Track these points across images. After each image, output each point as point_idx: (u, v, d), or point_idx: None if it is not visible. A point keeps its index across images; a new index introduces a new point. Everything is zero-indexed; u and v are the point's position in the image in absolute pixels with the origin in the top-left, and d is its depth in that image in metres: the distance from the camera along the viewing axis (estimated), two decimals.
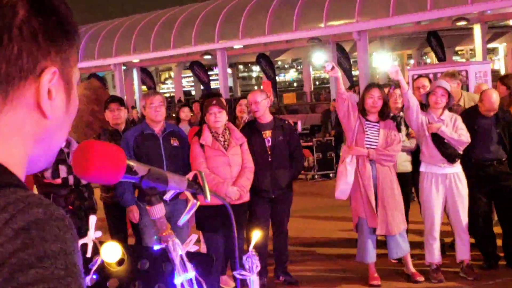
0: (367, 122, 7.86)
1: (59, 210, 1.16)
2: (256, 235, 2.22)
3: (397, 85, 8.53)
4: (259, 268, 2.11)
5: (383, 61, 38.74)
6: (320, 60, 41.01)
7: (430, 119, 7.86)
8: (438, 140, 7.82)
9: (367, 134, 7.83)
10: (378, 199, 7.79)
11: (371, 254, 7.91)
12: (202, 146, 7.44)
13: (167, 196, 1.90)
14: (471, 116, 8.29)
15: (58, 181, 6.94)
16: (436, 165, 7.89)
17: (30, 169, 1.31)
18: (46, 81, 1.23)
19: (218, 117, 7.42)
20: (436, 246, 8.01)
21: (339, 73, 7.86)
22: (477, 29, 27.61)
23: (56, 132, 1.30)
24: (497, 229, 8.59)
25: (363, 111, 7.88)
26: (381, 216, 7.76)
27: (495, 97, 8.25)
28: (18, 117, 1.23)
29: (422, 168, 8.01)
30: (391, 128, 7.92)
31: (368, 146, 7.81)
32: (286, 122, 8.64)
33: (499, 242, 8.49)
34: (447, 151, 7.83)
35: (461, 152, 7.89)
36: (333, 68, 7.75)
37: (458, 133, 7.80)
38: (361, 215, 7.86)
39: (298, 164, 8.59)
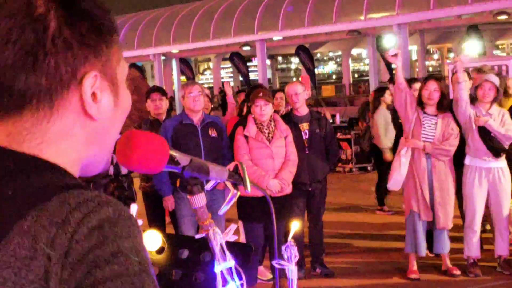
0: (424, 115, 7.80)
1: (126, 209, 1.19)
2: (295, 225, 2.24)
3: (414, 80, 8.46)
4: (297, 258, 2.12)
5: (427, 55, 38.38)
6: (361, 52, 40.79)
7: (478, 113, 7.80)
8: (484, 133, 7.75)
9: (424, 127, 7.78)
10: (432, 193, 7.77)
11: (422, 247, 7.91)
12: (246, 137, 7.45)
13: (208, 186, 1.91)
14: None
15: None
16: (481, 158, 7.84)
17: (89, 172, 1.35)
18: (88, 86, 1.25)
19: (264, 109, 7.41)
20: (476, 240, 7.96)
21: (400, 61, 7.77)
22: None
23: (108, 131, 1.33)
24: None
25: (420, 103, 7.83)
26: (439, 209, 7.75)
27: None
28: (67, 124, 1.25)
29: (467, 161, 7.95)
30: (449, 121, 7.83)
31: (424, 139, 7.76)
32: (322, 114, 8.63)
33: None
34: (493, 145, 7.77)
35: (507, 147, 7.83)
36: (396, 54, 7.68)
37: (505, 128, 7.73)
38: (413, 208, 7.83)
39: (334, 157, 8.59)
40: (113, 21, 1.33)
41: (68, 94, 1.24)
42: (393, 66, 8.03)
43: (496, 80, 7.92)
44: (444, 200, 7.80)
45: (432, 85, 7.79)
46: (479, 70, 9.31)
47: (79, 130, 1.27)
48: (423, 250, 7.94)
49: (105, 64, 1.29)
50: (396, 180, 7.87)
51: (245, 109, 8.64)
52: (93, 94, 1.26)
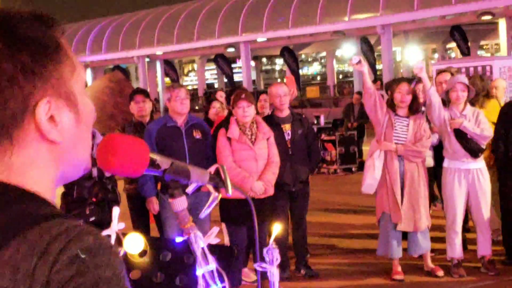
0: (396, 117, 7.83)
1: (106, 238, 1.19)
2: (277, 228, 2.25)
3: (419, 80, 8.51)
4: (279, 260, 2.13)
5: (410, 55, 38.59)
6: (345, 53, 40.94)
7: (453, 115, 7.84)
8: (461, 135, 7.79)
9: (396, 129, 7.80)
10: (404, 195, 7.79)
11: (395, 249, 7.89)
12: (228, 139, 7.45)
13: (189, 189, 1.92)
14: (510, 108, 8.23)
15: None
16: (459, 160, 7.87)
17: (66, 180, 1.34)
18: (42, 114, 1.23)
19: (247, 111, 7.42)
20: (458, 241, 7.99)
21: (365, 67, 7.80)
22: (502, 24, 27.41)
23: (75, 146, 1.31)
24: None
25: (392, 105, 7.87)
26: (406, 212, 7.75)
27: None
28: (31, 153, 1.25)
29: (445, 164, 7.99)
30: (421, 123, 7.87)
31: (396, 141, 7.78)
32: (303, 115, 8.66)
33: None
34: (470, 146, 7.80)
35: (484, 147, 7.87)
36: (359, 61, 7.70)
37: (481, 128, 7.77)
38: (385, 210, 7.85)
39: (316, 158, 8.61)
40: (56, 35, 1.29)
41: (23, 125, 1.23)
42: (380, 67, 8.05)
43: (465, 80, 7.99)
44: (416, 202, 7.81)
45: (405, 88, 7.83)
46: (442, 72, 9.38)
47: (45, 156, 1.26)
48: (395, 253, 7.93)
49: (57, 84, 1.26)
50: (370, 183, 7.88)
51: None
52: (51, 117, 1.24)
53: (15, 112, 1.21)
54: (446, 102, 8.01)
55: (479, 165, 7.92)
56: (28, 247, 1.13)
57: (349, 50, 36.70)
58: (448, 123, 7.81)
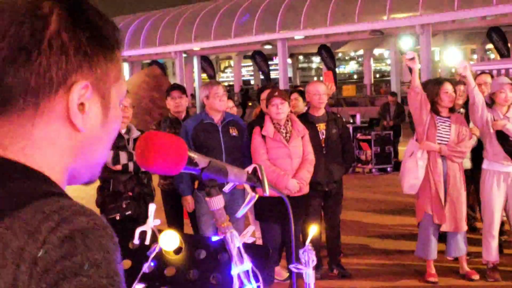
0: (438, 117, 7.79)
1: (102, 219, 1.17)
2: (313, 229, 2.24)
3: (457, 81, 8.46)
4: (315, 262, 2.12)
5: (452, 56, 38.24)
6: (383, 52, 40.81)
7: (495, 116, 7.77)
8: (502, 137, 7.73)
9: (439, 129, 7.76)
10: (447, 196, 7.75)
11: (433, 250, 7.88)
12: (263, 137, 7.44)
13: (226, 188, 1.92)
14: None
15: (118, 167, 7.02)
16: (499, 162, 7.81)
17: (74, 182, 1.33)
18: (76, 94, 1.23)
19: (280, 108, 7.40)
20: (494, 244, 7.93)
21: (417, 65, 7.73)
22: None
23: (93, 146, 1.30)
24: None
25: (434, 106, 7.80)
26: (449, 212, 7.72)
27: None
28: (52, 130, 1.24)
29: (485, 166, 7.93)
30: (462, 123, 7.83)
31: (439, 141, 7.75)
32: (339, 115, 8.64)
33: None
34: (511, 149, 7.74)
35: None
36: (413, 58, 7.67)
37: None
38: (428, 210, 7.81)
39: (350, 158, 8.58)
40: (118, 37, 1.32)
41: (55, 98, 1.23)
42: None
43: (510, 81, 7.95)
44: (459, 203, 7.79)
45: (450, 88, 7.78)
46: (482, 73, 9.34)
47: (64, 140, 1.26)
48: (433, 254, 7.91)
49: (100, 77, 1.27)
50: (413, 183, 7.84)
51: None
52: (81, 104, 1.24)
53: (53, 81, 1.21)
54: (489, 103, 7.94)
55: None
56: (20, 225, 1.12)
57: (386, 49, 36.54)
58: (491, 124, 7.75)
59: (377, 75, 60.86)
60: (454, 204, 7.76)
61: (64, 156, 1.27)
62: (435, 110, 7.80)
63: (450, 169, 7.77)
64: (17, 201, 1.15)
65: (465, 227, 7.88)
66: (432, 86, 7.93)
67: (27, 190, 1.17)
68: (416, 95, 7.76)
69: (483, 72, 9.54)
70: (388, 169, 16.66)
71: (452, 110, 7.82)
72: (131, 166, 7.03)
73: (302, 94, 8.91)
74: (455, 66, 8.05)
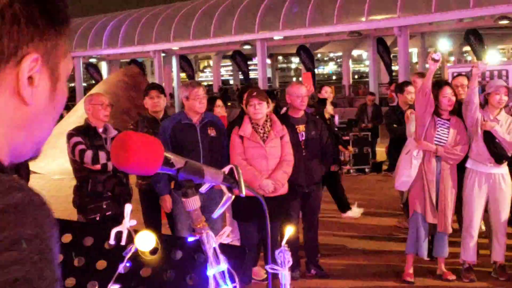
0: (438, 119, 7.84)
1: (39, 195, 1.16)
2: (289, 230, 2.24)
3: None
4: (290, 263, 2.13)
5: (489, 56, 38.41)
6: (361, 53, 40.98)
7: (486, 117, 7.83)
8: (489, 139, 7.78)
9: (438, 131, 7.81)
10: (438, 196, 7.80)
11: (424, 249, 7.92)
12: (241, 137, 7.46)
13: (203, 189, 1.91)
14: None
15: (98, 167, 7.00)
16: (482, 163, 7.86)
17: (16, 157, 1.31)
18: (26, 67, 1.22)
19: (258, 108, 7.41)
20: (473, 244, 7.97)
21: (436, 67, 7.79)
22: None
23: (39, 120, 1.30)
24: None
25: (435, 108, 7.84)
26: (441, 213, 7.77)
27: None
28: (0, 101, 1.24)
29: (468, 165, 7.96)
30: (461, 127, 7.87)
31: (437, 142, 7.80)
32: (317, 116, 8.67)
33: None
34: (496, 151, 7.79)
35: (510, 154, 7.85)
36: (438, 60, 7.73)
37: (511, 136, 7.76)
38: (418, 209, 7.85)
39: (329, 159, 8.60)
40: (67, 13, 1.31)
41: (5, 70, 1.22)
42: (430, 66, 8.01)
43: (506, 84, 8.03)
44: (448, 204, 7.83)
45: (449, 91, 7.82)
46: (422, 75, 9.42)
47: (11, 112, 1.24)
48: (425, 253, 7.95)
49: (50, 51, 1.27)
50: (405, 181, 7.89)
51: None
52: (30, 77, 1.23)
53: (4, 52, 1.20)
54: (483, 103, 8.00)
55: (502, 170, 7.90)
56: None
57: (365, 51, 36.67)
58: (480, 124, 7.80)
59: (356, 76, 61.11)
60: (444, 205, 7.81)
61: (9, 129, 1.25)
62: (436, 112, 7.84)
63: (444, 170, 7.81)
64: None
65: (450, 229, 7.93)
66: (432, 89, 7.95)
67: None
68: (425, 96, 7.76)
69: (459, 74, 9.60)
70: (366, 170, 16.71)
71: (452, 111, 7.86)
72: (110, 165, 7.00)
73: (270, 95, 8.80)
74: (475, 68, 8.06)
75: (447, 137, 7.81)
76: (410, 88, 9.66)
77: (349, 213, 11.43)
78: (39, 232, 1.12)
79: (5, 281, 1.07)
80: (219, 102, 9.67)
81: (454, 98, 7.83)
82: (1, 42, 1.20)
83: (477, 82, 7.89)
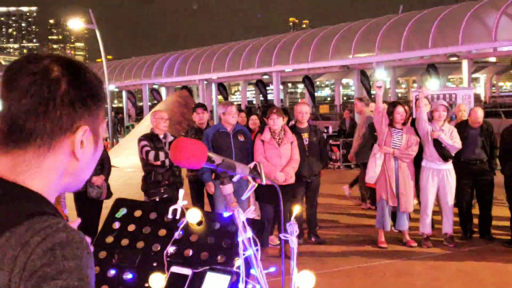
0: (393, 129, 7.83)
1: (79, 234, 1.15)
2: (296, 209, 2.25)
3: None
4: (297, 232, 2.13)
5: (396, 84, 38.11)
6: (349, 82, 40.72)
7: (434, 128, 7.81)
8: (437, 144, 7.75)
9: (393, 138, 7.79)
10: (398, 185, 7.77)
11: (387, 224, 7.91)
12: (262, 141, 7.51)
13: (235, 179, 1.92)
14: (463, 126, 8.24)
15: (158, 163, 7.03)
16: (433, 162, 7.84)
17: (64, 190, 1.32)
18: (80, 136, 1.23)
19: (276, 121, 7.49)
20: (428, 221, 7.94)
21: (382, 91, 7.80)
22: (464, 63, 27.09)
23: (84, 169, 1.30)
24: (474, 211, 8.47)
25: (391, 122, 7.83)
26: (402, 198, 7.75)
27: (479, 113, 8.18)
28: (57, 161, 1.23)
29: (423, 164, 7.96)
30: (412, 133, 7.86)
31: (393, 146, 7.78)
32: (317, 127, 8.65)
33: (475, 220, 8.39)
34: (443, 153, 7.76)
35: (453, 154, 7.82)
36: (381, 86, 7.72)
37: (453, 141, 7.73)
38: (383, 196, 7.83)
39: (326, 158, 8.59)
40: (104, 91, 1.31)
41: (63, 139, 1.22)
42: (373, 92, 8.05)
43: (445, 103, 8.00)
44: (406, 191, 7.79)
45: (402, 109, 7.82)
46: (361, 99, 9.49)
47: (65, 167, 1.25)
48: (388, 227, 7.95)
49: (94, 120, 1.27)
50: (372, 176, 7.90)
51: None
52: (81, 142, 1.25)
53: (63, 127, 1.21)
54: (430, 118, 7.98)
55: (448, 166, 7.88)
56: (16, 238, 1.11)
57: (351, 79, 36.47)
58: (430, 134, 7.77)
59: (345, 98, 60.76)
60: (403, 192, 7.78)
61: (61, 178, 1.26)
62: (391, 124, 7.83)
63: (400, 167, 7.80)
64: (17, 219, 1.13)
65: (411, 209, 7.89)
66: (389, 108, 7.97)
67: (25, 209, 1.16)
68: (379, 113, 7.79)
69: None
70: (352, 166, 16.62)
71: (404, 123, 7.84)
72: (167, 162, 7.03)
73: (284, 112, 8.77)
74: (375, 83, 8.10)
75: (401, 142, 7.78)
76: (399, 108, 9.50)
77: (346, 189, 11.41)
78: (78, 264, 1.11)
79: None
80: (253, 117, 9.81)
81: (405, 114, 7.82)
82: (62, 120, 1.21)
83: (423, 103, 7.87)
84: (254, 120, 9.70)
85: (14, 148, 1.21)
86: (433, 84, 26.67)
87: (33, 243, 1.09)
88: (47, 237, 1.10)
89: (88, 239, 1.33)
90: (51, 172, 1.23)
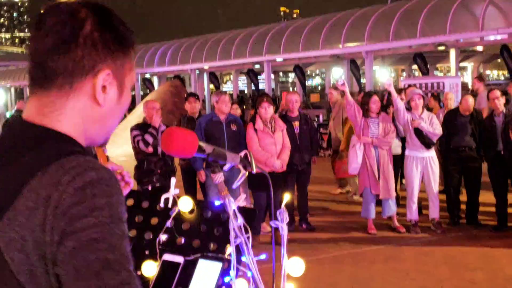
0: (370, 119, 7.84)
1: (108, 171, 1.16)
2: (287, 197, 2.26)
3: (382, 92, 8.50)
4: (287, 220, 2.13)
5: (382, 75, 38.28)
6: (339, 72, 40.73)
7: (413, 117, 7.82)
8: (418, 132, 7.77)
9: (370, 127, 7.81)
10: (379, 173, 7.79)
11: (372, 212, 7.95)
12: (255, 130, 7.51)
13: (226, 168, 1.92)
14: (453, 114, 8.26)
15: (150, 150, 7.03)
16: (417, 150, 7.87)
17: (90, 143, 1.32)
18: (101, 79, 1.24)
19: (267, 110, 7.49)
20: (415, 207, 7.99)
21: (347, 87, 7.78)
22: (452, 52, 27.14)
23: (108, 117, 1.29)
24: (462, 197, 8.52)
25: (366, 112, 7.84)
26: (382, 185, 7.77)
27: (471, 101, 8.20)
28: (80, 103, 1.24)
29: (407, 152, 8.01)
30: (387, 121, 7.89)
31: (372, 135, 7.80)
32: (308, 116, 8.67)
33: (462, 206, 8.44)
34: (425, 141, 7.80)
35: (434, 141, 7.86)
36: (343, 84, 7.71)
37: (433, 128, 7.75)
38: (366, 185, 7.86)
39: (316, 146, 8.61)
40: (133, 38, 1.30)
41: (85, 80, 1.23)
42: (364, 81, 8.09)
43: (420, 91, 8.06)
44: (387, 178, 7.82)
45: (376, 99, 7.88)
46: (335, 87, 9.60)
47: (88, 111, 1.25)
48: (373, 214, 7.99)
49: (119, 68, 1.27)
50: (355, 167, 7.92)
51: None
52: (104, 86, 1.24)
53: (85, 68, 1.21)
54: (408, 108, 8.00)
55: (431, 154, 7.92)
56: (47, 178, 1.12)
57: (342, 68, 36.48)
58: (410, 123, 7.79)
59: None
60: (385, 179, 7.81)
61: (87, 123, 1.26)
62: (366, 115, 7.85)
63: (380, 155, 7.83)
64: (47, 159, 1.15)
65: (394, 194, 7.93)
66: (365, 97, 8.01)
67: (55, 150, 1.17)
68: (350, 106, 7.83)
69: (410, 86, 9.57)
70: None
71: (378, 111, 7.84)
72: (159, 150, 7.03)
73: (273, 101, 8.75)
74: (383, 82, 8.15)
75: (378, 131, 7.81)
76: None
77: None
78: (109, 201, 1.12)
79: (87, 240, 1.09)
80: (235, 106, 9.70)
81: (379, 103, 7.86)
82: (83, 60, 1.21)
83: (395, 93, 7.86)
84: (234, 110, 9.62)
85: (39, 88, 1.23)
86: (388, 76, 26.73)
87: (64, 182, 1.11)
88: (77, 176, 1.12)
89: None
90: (75, 114, 1.23)
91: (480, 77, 11.72)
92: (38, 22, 1.23)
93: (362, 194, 8.08)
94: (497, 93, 7.98)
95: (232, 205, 1.88)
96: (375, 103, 7.79)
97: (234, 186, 2.01)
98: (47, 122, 1.22)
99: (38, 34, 1.22)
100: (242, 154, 1.89)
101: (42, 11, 1.26)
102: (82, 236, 1.09)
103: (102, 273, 1.08)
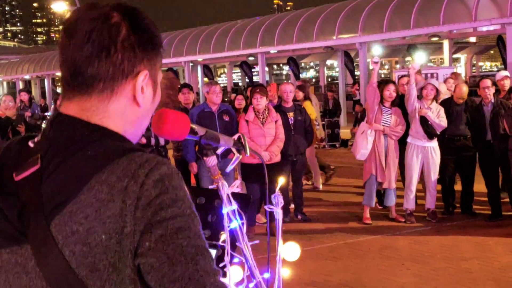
0: (383, 107, 7.81)
1: (174, 167, 1.20)
2: (281, 180, 2.23)
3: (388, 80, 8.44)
4: (282, 204, 2.11)
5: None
6: (333, 63, 40.68)
7: (422, 106, 7.81)
8: (424, 121, 7.76)
9: (384, 116, 7.79)
10: (386, 162, 7.79)
11: (373, 200, 7.95)
12: (247, 121, 7.49)
13: (219, 151, 1.89)
14: (447, 103, 8.24)
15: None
16: (419, 139, 7.85)
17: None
18: (141, 81, 1.25)
19: (260, 101, 7.46)
20: (412, 197, 7.99)
21: (378, 67, 7.84)
22: (445, 43, 27.16)
23: (144, 117, 1.32)
24: (456, 187, 8.53)
25: (381, 99, 7.82)
26: (387, 174, 7.76)
27: (464, 89, 8.19)
28: (121, 106, 1.25)
29: (409, 140, 7.99)
30: (399, 115, 7.84)
31: (383, 124, 7.78)
32: (302, 106, 8.63)
33: (457, 196, 8.45)
34: (429, 130, 7.78)
35: (438, 133, 7.83)
36: (377, 62, 7.72)
37: (439, 119, 7.74)
38: (372, 171, 7.82)
39: (310, 137, 8.58)
40: (160, 38, 1.34)
41: (125, 83, 1.24)
42: (358, 73, 8.10)
43: (436, 83, 7.98)
44: (394, 168, 7.84)
45: (392, 87, 7.81)
46: (403, 76, 9.46)
47: (128, 113, 1.26)
48: (373, 203, 7.98)
49: (153, 67, 1.29)
50: (363, 153, 7.86)
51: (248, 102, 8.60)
52: (142, 88, 1.26)
53: (125, 71, 1.23)
54: (419, 95, 7.96)
55: (433, 144, 7.90)
56: (120, 170, 1.14)
57: (335, 60, 36.47)
58: (417, 111, 7.78)
59: (329, 79, 60.79)
60: (390, 168, 7.80)
61: (126, 124, 1.27)
62: (381, 101, 7.82)
63: (389, 144, 7.82)
64: (114, 154, 1.17)
65: (394, 185, 7.93)
66: (381, 85, 7.94)
67: (118, 146, 1.20)
68: (374, 90, 7.77)
69: (403, 76, 9.54)
70: (337, 145, 16.70)
71: (393, 103, 7.83)
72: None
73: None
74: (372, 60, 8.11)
75: (390, 120, 7.79)
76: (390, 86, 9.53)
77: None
78: (185, 193, 1.18)
79: (176, 227, 1.14)
80: (240, 97, 9.78)
81: (394, 94, 7.81)
82: (123, 64, 1.23)
83: (413, 79, 7.85)
84: (240, 101, 9.63)
85: (78, 94, 1.24)
86: (419, 60, 26.77)
87: (141, 174, 1.14)
88: (152, 170, 1.15)
89: None
90: (117, 117, 1.25)
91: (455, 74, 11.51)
92: (68, 30, 1.24)
93: (365, 183, 8.03)
94: (488, 82, 7.97)
95: (226, 189, 1.85)
96: (391, 93, 7.75)
97: (228, 169, 1.98)
98: (94, 122, 1.24)
99: (72, 42, 1.22)
100: (235, 136, 1.86)
101: (69, 17, 1.27)
102: (170, 224, 1.13)
103: (196, 258, 1.14)
